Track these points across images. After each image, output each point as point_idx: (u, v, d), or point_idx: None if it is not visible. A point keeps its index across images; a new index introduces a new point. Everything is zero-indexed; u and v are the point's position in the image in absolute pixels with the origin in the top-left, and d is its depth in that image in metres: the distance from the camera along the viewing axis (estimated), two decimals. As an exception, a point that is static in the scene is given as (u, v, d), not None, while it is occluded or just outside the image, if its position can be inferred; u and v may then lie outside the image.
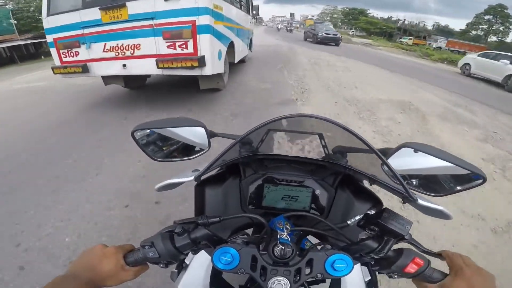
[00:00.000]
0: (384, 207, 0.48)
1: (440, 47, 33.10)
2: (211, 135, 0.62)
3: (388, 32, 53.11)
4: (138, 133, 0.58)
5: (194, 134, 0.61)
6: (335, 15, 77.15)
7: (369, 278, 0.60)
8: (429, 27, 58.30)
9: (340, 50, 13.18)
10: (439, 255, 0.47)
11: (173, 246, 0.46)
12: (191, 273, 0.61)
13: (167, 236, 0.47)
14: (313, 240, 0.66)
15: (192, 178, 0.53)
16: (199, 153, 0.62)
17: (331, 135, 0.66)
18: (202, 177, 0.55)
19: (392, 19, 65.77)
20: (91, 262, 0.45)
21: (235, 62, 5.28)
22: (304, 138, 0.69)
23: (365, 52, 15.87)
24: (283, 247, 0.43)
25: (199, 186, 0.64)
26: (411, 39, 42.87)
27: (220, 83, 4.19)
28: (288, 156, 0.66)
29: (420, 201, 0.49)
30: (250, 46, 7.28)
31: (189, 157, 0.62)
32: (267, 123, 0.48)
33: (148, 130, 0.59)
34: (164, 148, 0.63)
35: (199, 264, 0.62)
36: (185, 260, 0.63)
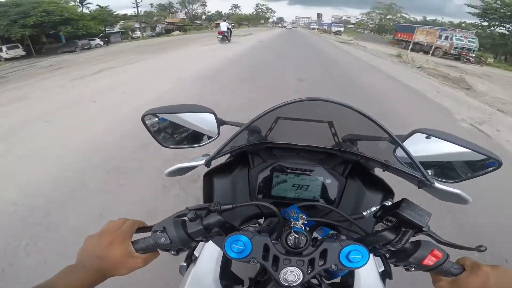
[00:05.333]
0: (403, 197, 0.50)
1: None
2: (220, 123, 0.67)
3: None
4: (149, 119, 0.64)
5: (204, 122, 0.65)
6: (391, 16, 58.12)
7: (383, 269, 0.62)
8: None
9: None
10: (459, 246, 0.49)
11: (185, 232, 0.48)
12: (200, 266, 0.65)
13: (179, 222, 0.49)
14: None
15: (203, 162, 0.58)
16: (209, 141, 0.67)
17: (341, 122, 0.67)
18: (212, 166, 0.61)
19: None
20: (97, 251, 0.47)
21: None
22: (314, 126, 0.69)
23: None
24: (297, 236, 0.46)
25: (207, 176, 0.70)
26: None
27: None
28: (297, 144, 0.70)
29: (437, 185, 0.53)
30: None
31: (199, 145, 0.67)
32: (276, 107, 0.51)
33: (158, 117, 0.66)
34: (174, 136, 0.68)
35: (208, 257, 0.66)
36: (194, 253, 0.69)
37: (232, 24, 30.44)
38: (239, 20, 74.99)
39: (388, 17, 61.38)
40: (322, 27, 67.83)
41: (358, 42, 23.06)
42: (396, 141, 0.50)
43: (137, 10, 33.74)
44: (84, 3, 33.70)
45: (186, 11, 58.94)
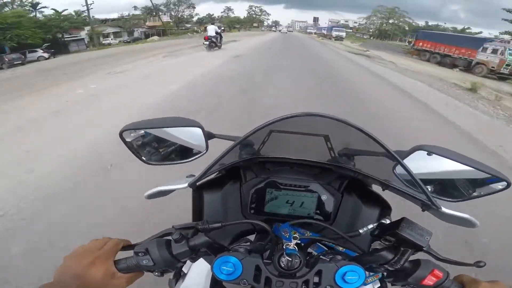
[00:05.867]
0: (402, 217, 0.50)
1: None
2: (209, 136, 0.65)
3: None
4: (129, 134, 0.60)
5: (191, 136, 0.63)
6: (393, 21, 54.23)
7: (379, 285, 0.61)
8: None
9: None
10: (458, 263, 0.49)
11: (169, 254, 0.47)
12: (189, 282, 0.62)
13: (163, 243, 0.48)
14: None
15: (186, 185, 0.57)
16: (196, 156, 0.65)
17: (338, 137, 0.66)
18: (198, 183, 0.60)
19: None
20: (77, 271, 0.45)
21: None
22: (309, 139, 0.68)
23: None
24: (290, 259, 0.45)
25: (196, 191, 0.68)
26: None
27: None
28: (291, 159, 0.69)
29: (444, 209, 0.51)
30: None
31: (185, 160, 0.64)
32: (269, 123, 0.50)
33: (142, 131, 0.62)
34: (160, 150, 0.65)
35: (198, 273, 0.63)
36: (183, 269, 0.65)
37: (222, 28, 26.08)
38: (230, 23, 71.61)
39: (390, 21, 58.06)
40: (321, 31, 64.27)
41: (380, 55, 18.34)
42: (397, 159, 0.49)
43: (88, 12, 28.33)
44: (37, 8, 29.55)
45: (172, 13, 54.34)
